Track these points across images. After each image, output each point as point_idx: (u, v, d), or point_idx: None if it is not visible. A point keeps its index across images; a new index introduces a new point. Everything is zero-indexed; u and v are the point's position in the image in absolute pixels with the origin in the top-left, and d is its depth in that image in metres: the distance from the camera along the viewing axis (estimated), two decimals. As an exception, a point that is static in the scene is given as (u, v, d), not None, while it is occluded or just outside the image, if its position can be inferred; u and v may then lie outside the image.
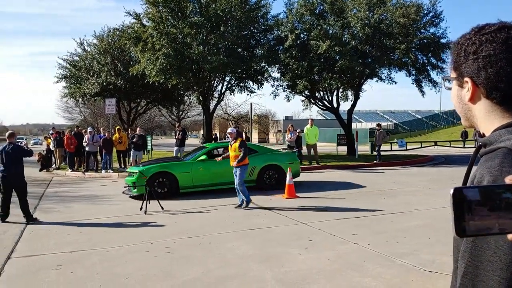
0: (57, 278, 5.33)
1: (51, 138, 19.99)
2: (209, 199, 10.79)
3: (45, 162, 19.47)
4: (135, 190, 11.25)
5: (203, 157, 11.98)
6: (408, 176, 15.06)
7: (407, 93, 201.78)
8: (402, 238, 6.70)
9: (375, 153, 19.67)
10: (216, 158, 11.08)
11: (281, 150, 14.42)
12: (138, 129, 19.51)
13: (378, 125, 19.91)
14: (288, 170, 11.14)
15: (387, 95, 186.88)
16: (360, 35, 19.48)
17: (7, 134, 9.11)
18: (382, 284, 4.84)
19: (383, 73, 22.09)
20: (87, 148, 17.53)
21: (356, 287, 4.79)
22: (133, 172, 11.62)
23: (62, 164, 19.59)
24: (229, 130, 10.51)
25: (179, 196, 11.25)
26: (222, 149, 12.96)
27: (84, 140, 17.58)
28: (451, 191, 0.81)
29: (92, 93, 24.23)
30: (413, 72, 21.74)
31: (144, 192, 9.40)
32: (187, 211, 9.39)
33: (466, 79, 1.11)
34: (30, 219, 8.67)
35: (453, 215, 0.81)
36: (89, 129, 18.38)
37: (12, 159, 8.62)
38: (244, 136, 18.16)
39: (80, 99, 26.53)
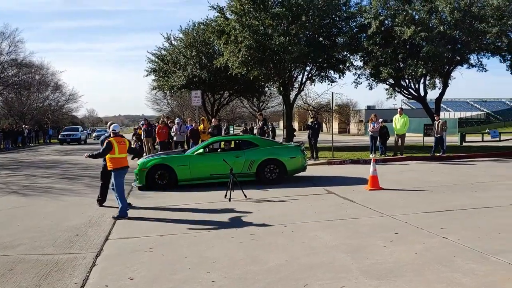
0: (150, 260, 5.70)
1: (142, 128, 21.25)
2: (291, 188, 10.89)
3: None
4: (137, 181, 11.70)
5: (201, 150, 12.05)
6: (502, 168, 14.07)
7: (500, 81, 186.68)
8: (496, 234, 6.32)
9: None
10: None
11: (291, 144, 13.91)
12: (213, 120, 20.11)
13: (437, 115, 18.70)
14: (372, 161, 10.89)
15: (478, 83, 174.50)
16: (449, 19, 18.38)
17: (109, 124, 9.85)
18: (474, 281, 4.61)
19: (473, 59, 20.73)
20: (175, 138, 18.42)
21: (446, 282, 4.61)
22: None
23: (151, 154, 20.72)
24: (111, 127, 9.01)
25: (178, 188, 11.39)
26: (220, 144, 13.36)
27: (172, 130, 18.50)
28: None
29: (179, 86, 25.30)
30: (508, 57, 20.13)
31: (229, 181, 9.71)
32: (269, 200, 9.56)
33: None
34: (125, 204, 9.33)
35: None
36: (176, 120, 19.28)
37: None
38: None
39: (168, 92, 27.82)
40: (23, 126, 41.69)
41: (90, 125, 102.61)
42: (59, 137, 42.94)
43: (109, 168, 8.61)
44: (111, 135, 8.81)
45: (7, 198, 10.81)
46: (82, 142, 42.00)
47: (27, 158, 24.01)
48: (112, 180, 8.66)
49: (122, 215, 8.29)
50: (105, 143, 8.61)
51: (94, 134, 53.13)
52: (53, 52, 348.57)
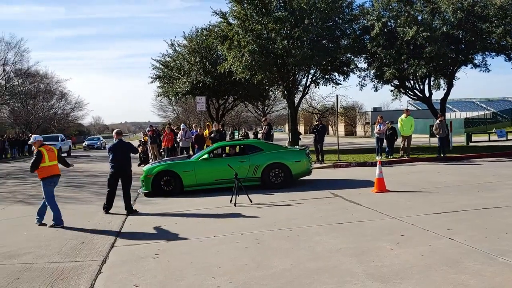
0: (155, 266, 5.71)
1: (148, 135, 21.34)
2: (297, 192, 10.87)
3: (143, 158, 20.81)
4: (143, 188, 11.74)
5: (206, 156, 12.07)
6: (509, 168, 13.96)
7: (506, 79, 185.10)
8: (504, 234, 6.25)
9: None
10: None
11: (296, 147, 13.74)
12: (214, 124, 20.14)
13: (440, 115, 18.50)
14: (378, 163, 10.84)
15: (484, 83, 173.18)
16: (452, 20, 18.33)
17: (115, 131, 9.88)
18: (482, 282, 4.56)
19: (478, 59, 20.61)
20: (180, 144, 18.47)
21: (452, 284, 4.56)
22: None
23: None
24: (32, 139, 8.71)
25: (184, 194, 11.42)
26: (224, 149, 13.18)
27: (178, 136, 18.56)
28: None
29: (184, 92, 25.37)
30: (514, 56, 20.00)
31: (234, 186, 9.70)
32: (275, 204, 9.54)
33: None
34: (131, 211, 9.37)
35: None
36: (182, 126, 19.34)
37: (124, 153, 9.49)
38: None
39: (173, 98, 27.89)
40: (30, 135, 41.97)
41: (96, 133, 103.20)
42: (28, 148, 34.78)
43: (39, 178, 8.45)
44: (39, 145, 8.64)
45: (14, 207, 10.88)
46: (65, 153, 32.58)
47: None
48: (43, 189, 8.44)
49: (57, 223, 8.28)
50: (34, 154, 8.43)
51: (84, 144, 49.56)
52: (57, 60, 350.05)
